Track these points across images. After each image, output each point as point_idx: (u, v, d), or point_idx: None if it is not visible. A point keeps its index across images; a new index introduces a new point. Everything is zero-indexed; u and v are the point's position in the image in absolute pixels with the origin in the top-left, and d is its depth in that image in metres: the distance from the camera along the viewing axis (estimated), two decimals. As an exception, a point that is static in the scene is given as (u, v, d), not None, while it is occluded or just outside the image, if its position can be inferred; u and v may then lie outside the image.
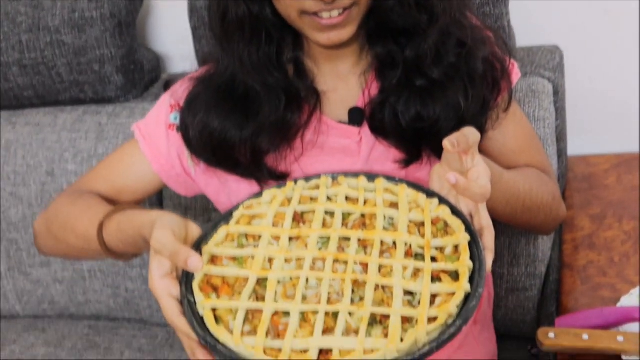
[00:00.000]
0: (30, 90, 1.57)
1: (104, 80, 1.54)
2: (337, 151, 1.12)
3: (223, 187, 1.16)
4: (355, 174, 1.02)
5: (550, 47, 1.47)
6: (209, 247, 0.93)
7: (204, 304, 0.88)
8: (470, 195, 0.93)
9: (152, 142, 1.17)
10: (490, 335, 1.29)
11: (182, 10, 1.48)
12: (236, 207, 1.00)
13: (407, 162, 1.11)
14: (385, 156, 1.11)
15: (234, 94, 1.09)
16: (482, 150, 1.16)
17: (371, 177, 1.02)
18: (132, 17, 1.55)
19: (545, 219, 1.19)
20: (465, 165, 0.93)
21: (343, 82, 1.13)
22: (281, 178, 1.10)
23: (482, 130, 1.12)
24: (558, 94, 1.40)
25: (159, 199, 1.53)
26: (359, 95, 1.12)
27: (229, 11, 1.06)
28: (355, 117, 1.12)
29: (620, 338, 1.03)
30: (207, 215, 1.48)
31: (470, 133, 0.93)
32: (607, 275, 1.24)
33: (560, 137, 1.42)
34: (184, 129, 1.13)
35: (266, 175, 1.11)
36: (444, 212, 0.95)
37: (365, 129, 1.11)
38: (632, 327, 1.07)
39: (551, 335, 1.04)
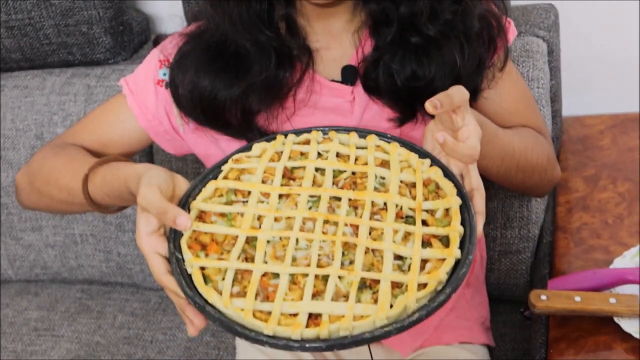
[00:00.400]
0: (17, 53, 1.55)
1: (92, 42, 1.52)
2: (330, 110, 1.10)
3: (214, 147, 1.15)
4: (347, 130, 1.01)
5: (546, 5, 1.44)
6: (197, 203, 0.92)
7: (192, 263, 0.87)
8: (458, 156, 0.92)
9: (139, 97, 1.15)
10: (482, 298, 1.29)
11: (171, -30, 1.46)
12: (224, 161, 0.98)
13: (401, 121, 1.09)
14: (379, 116, 1.10)
15: (224, 53, 1.07)
16: (478, 109, 1.14)
17: (363, 133, 1.00)
18: (120, -22, 1.52)
19: (539, 180, 1.18)
20: (455, 125, 0.92)
21: (336, 41, 1.11)
22: (271, 138, 1.09)
23: (477, 89, 1.11)
24: (553, 54, 1.38)
25: (150, 162, 1.52)
26: (353, 54, 1.10)
27: None
28: (349, 75, 1.11)
29: (612, 300, 1.03)
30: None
31: (455, 92, 0.91)
32: (601, 237, 1.24)
33: (555, 98, 1.41)
34: (173, 87, 1.11)
35: (257, 135, 1.09)
36: (436, 174, 0.94)
37: (359, 88, 1.10)
38: (624, 289, 1.07)
39: (543, 297, 1.04)
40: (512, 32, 1.15)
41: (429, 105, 0.89)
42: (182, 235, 0.89)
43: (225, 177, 0.96)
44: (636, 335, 1.00)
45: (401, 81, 1.06)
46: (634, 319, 1.02)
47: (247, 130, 1.09)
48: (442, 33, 1.05)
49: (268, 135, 1.06)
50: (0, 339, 1.52)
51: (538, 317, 1.21)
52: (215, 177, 0.96)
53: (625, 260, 1.13)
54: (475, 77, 1.09)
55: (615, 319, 1.02)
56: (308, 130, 1.01)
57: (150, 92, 1.15)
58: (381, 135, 1.00)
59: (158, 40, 1.19)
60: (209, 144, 1.15)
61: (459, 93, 0.91)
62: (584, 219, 1.29)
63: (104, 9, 1.48)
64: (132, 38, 1.56)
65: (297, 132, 1.01)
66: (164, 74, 1.14)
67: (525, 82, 1.23)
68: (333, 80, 1.11)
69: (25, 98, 1.54)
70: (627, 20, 1.54)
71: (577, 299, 1.03)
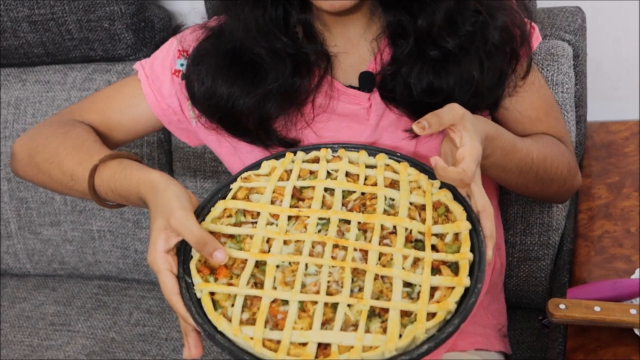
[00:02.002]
0: (40, 48, 1.55)
1: (114, 38, 1.52)
2: (346, 117, 1.09)
3: (226, 144, 1.14)
4: (356, 147, 1.00)
5: (573, 8, 1.42)
6: (206, 224, 0.92)
7: (202, 288, 0.87)
8: (448, 180, 0.90)
9: (155, 84, 1.15)
10: (500, 305, 1.27)
11: (195, -33, 1.45)
12: (233, 179, 0.98)
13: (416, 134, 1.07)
14: (396, 125, 1.08)
15: (240, 60, 1.06)
16: (498, 118, 1.13)
17: (372, 151, 1.00)
18: (143, -27, 1.52)
19: (558, 189, 1.16)
20: (457, 144, 0.91)
21: (354, 46, 1.09)
22: (292, 145, 1.08)
23: (498, 101, 1.09)
24: (578, 58, 1.35)
25: (169, 160, 1.52)
26: (371, 60, 1.09)
27: None
28: (366, 82, 1.09)
29: (633, 311, 1.00)
30: (216, 178, 1.46)
31: (444, 112, 0.91)
32: (623, 246, 1.21)
33: (580, 103, 1.38)
34: (190, 88, 1.11)
35: (276, 141, 1.08)
36: (446, 197, 0.93)
37: (375, 95, 1.08)
38: (645, 300, 1.04)
39: (562, 306, 1.02)
40: (536, 38, 1.12)
41: (416, 127, 0.89)
42: (191, 257, 0.89)
43: (234, 196, 0.96)
44: (656, 348, 0.98)
45: (418, 94, 1.04)
46: (655, 331, 0.99)
47: (266, 137, 1.08)
48: (460, 47, 1.02)
49: (287, 143, 1.07)
50: (16, 333, 1.53)
51: (556, 326, 1.18)
52: (224, 196, 0.96)
53: (647, 271, 1.11)
54: (495, 91, 1.07)
55: (636, 331, 1.00)
56: (317, 148, 1.01)
57: (167, 80, 1.14)
58: (391, 153, 1.00)
59: (178, 30, 1.18)
60: (220, 141, 1.14)
61: (449, 112, 0.90)
62: (605, 227, 1.26)
63: (126, 5, 1.48)
64: (153, 35, 1.56)
65: (306, 150, 1.01)
66: (182, 65, 1.13)
67: (549, 88, 1.20)
68: (350, 86, 1.09)
69: (46, 93, 1.55)
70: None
71: (597, 309, 1.01)
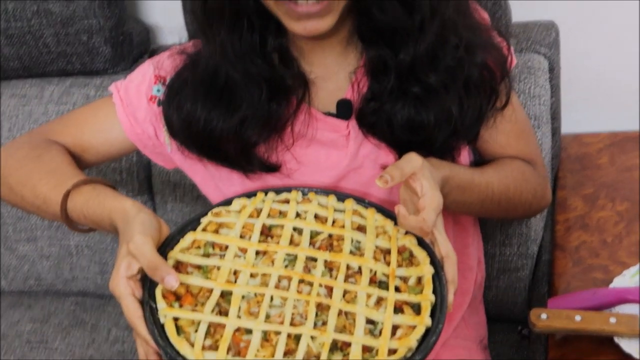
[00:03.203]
0: (16, 61, 1.54)
1: (92, 51, 1.51)
2: (325, 144, 1.09)
3: (201, 168, 1.14)
4: (326, 192, 1.03)
5: (547, 22, 1.45)
6: (175, 253, 0.93)
7: (166, 312, 0.88)
8: (409, 229, 0.93)
9: (129, 108, 1.14)
10: (480, 318, 1.28)
11: (172, -19, 1.45)
12: (204, 213, 1.00)
13: None
14: (376, 153, 1.09)
15: (217, 84, 1.05)
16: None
17: (341, 197, 1.02)
18: (121, -13, 1.52)
19: (524, 213, 1.20)
20: (417, 192, 0.93)
21: (330, 73, 1.09)
22: (273, 169, 1.08)
23: (477, 137, 1.10)
24: (554, 71, 1.38)
25: (147, 175, 1.51)
26: (348, 87, 1.08)
27: None
28: (344, 110, 1.09)
29: (613, 320, 1.02)
30: (195, 192, 1.46)
31: (404, 163, 0.93)
32: (600, 256, 1.24)
33: (555, 115, 1.40)
34: (168, 118, 1.10)
35: (257, 166, 1.08)
36: (411, 242, 0.96)
37: (354, 123, 1.08)
38: (625, 309, 1.06)
39: (543, 316, 1.04)
40: (513, 61, 1.12)
41: (379, 182, 0.91)
42: (157, 284, 0.90)
43: (204, 230, 0.97)
44: (636, 356, 1.00)
45: (399, 130, 1.05)
46: (634, 340, 1.01)
47: (247, 162, 1.08)
48: (442, 83, 1.03)
49: (269, 167, 1.08)
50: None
51: (537, 337, 1.20)
52: (194, 229, 0.97)
53: (624, 280, 1.13)
54: (474, 128, 1.08)
55: (616, 339, 1.02)
56: (288, 190, 1.03)
57: (142, 106, 1.13)
58: (359, 200, 1.02)
59: (154, 53, 1.18)
60: (196, 166, 1.14)
61: (409, 163, 0.93)
62: (582, 238, 1.29)
63: (104, 18, 1.48)
64: (132, 48, 1.56)
65: (277, 191, 1.03)
66: (158, 91, 1.12)
67: (523, 111, 1.20)
68: (328, 114, 1.09)
69: (23, 107, 1.53)
70: (627, 38, 1.54)
71: (578, 318, 1.03)
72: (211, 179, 1.15)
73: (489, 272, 1.36)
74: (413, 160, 0.94)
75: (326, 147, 1.09)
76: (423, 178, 0.93)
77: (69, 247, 1.56)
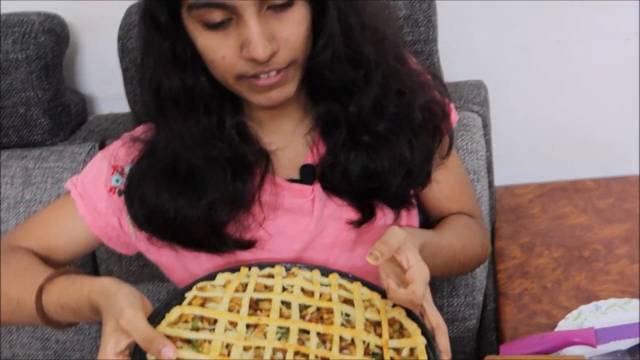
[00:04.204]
0: (-49, 135, 1.51)
1: (29, 123, 1.50)
2: (292, 211, 1.09)
3: (169, 252, 1.12)
4: (310, 267, 1.03)
5: (476, 81, 1.52)
6: (162, 328, 0.91)
7: None
8: (399, 302, 0.93)
9: (91, 203, 1.12)
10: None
11: (108, 51, 1.46)
12: (188, 288, 0.99)
13: (359, 223, 1.10)
14: (338, 213, 1.10)
15: (179, 173, 1.05)
16: (420, 195, 1.18)
17: (325, 271, 1.03)
18: (59, 59, 1.51)
19: (475, 265, 1.23)
20: (403, 265, 0.94)
21: (289, 141, 1.10)
22: (247, 246, 1.08)
23: (429, 177, 1.12)
24: (487, 127, 1.44)
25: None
26: (308, 153, 1.10)
27: (162, 86, 1.00)
28: (307, 175, 1.10)
29: (562, 362, 1.06)
30: (141, 261, 1.45)
31: (390, 237, 0.94)
32: (542, 302, 1.28)
33: (489, 169, 1.46)
34: (134, 217, 1.08)
35: (231, 246, 1.08)
36: (400, 315, 0.97)
37: (317, 187, 1.09)
38: (572, 351, 1.10)
39: (498, 363, 1.07)
40: (454, 117, 1.17)
41: (369, 259, 0.91)
42: (147, 357, 0.88)
43: (190, 304, 0.95)
44: (586, 396, 1.04)
45: (355, 180, 1.06)
46: (584, 380, 1.05)
47: (220, 243, 1.07)
48: (390, 129, 1.06)
49: (244, 245, 1.07)
50: None
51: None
52: (180, 303, 0.96)
53: (568, 323, 1.18)
54: (425, 168, 1.11)
55: (567, 381, 1.06)
56: (271, 265, 1.03)
57: (102, 198, 1.12)
58: (343, 274, 1.03)
59: (104, 143, 1.17)
60: (162, 249, 1.12)
61: (394, 236, 0.94)
62: (524, 285, 1.33)
63: (42, 90, 1.47)
64: (70, 119, 1.55)
65: (261, 266, 1.03)
66: (117, 181, 1.11)
67: (462, 166, 1.25)
68: (292, 180, 1.10)
69: (-41, 181, 1.50)
70: (549, 93, 1.63)
71: (530, 362, 1.06)
72: (177, 259, 1.13)
73: (438, 324, 1.39)
74: (397, 233, 0.95)
75: (293, 214, 1.09)
76: (408, 250, 0.94)
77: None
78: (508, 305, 1.29)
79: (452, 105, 1.16)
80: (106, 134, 1.54)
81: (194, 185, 1.04)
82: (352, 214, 1.10)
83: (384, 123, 1.05)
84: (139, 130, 1.12)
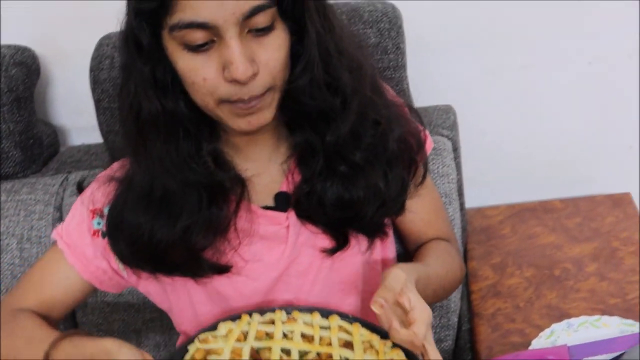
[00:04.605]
0: None
1: (1, 156, 1.49)
2: (267, 238, 1.10)
3: (156, 284, 1.13)
4: (309, 310, 1.04)
5: (444, 106, 1.54)
6: None
7: None
8: (400, 342, 0.94)
9: (77, 250, 1.12)
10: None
11: (79, 83, 1.46)
12: (190, 340, 0.99)
13: (332, 251, 1.11)
14: (313, 241, 1.11)
15: (155, 197, 1.05)
16: (397, 221, 1.19)
17: (325, 313, 1.03)
18: (30, 92, 1.52)
19: (456, 288, 1.24)
20: (405, 307, 0.94)
21: (265, 168, 1.11)
22: (224, 271, 1.08)
23: (403, 207, 1.13)
24: (457, 150, 1.47)
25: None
26: (283, 180, 1.11)
27: (142, 109, 1.01)
28: (281, 202, 1.11)
29: (537, 380, 1.08)
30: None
31: (391, 281, 0.95)
32: (515, 321, 1.30)
33: (460, 191, 1.48)
34: (113, 242, 1.09)
35: (207, 270, 1.08)
36: (399, 356, 0.97)
37: (292, 214, 1.10)
38: (546, 369, 1.12)
39: (476, 382, 1.08)
40: (429, 144, 1.18)
41: (375, 307, 0.92)
42: None
43: (192, 358, 0.96)
44: (563, 412, 1.05)
45: (330, 209, 1.07)
46: (559, 397, 1.07)
47: (197, 267, 1.08)
48: (366, 159, 1.07)
49: (220, 270, 1.08)
50: None
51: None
52: (182, 358, 0.96)
53: (541, 341, 1.20)
54: (400, 198, 1.12)
55: (543, 398, 1.08)
56: (272, 310, 1.03)
57: (87, 244, 1.12)
58: (343, 315, 1.03)
59: (81, 185, 1.17)
60: (149, 283, 1.13)
61: (395, 280, 0.95)
62: (497, 305, 1.35)
63: (14, 122, 1.47)
64: (42, 151, 1.55)
65: (262, 312, 1.03)
66: (99, 224, 1.12)
67: (436, 191, 1.27)
68: (267, 207, 1.11)
69: None
70: (517, 116, 1.66)
71: (506, 381, 1.08)
72: (164, 292, 1.14)
73: (414, 346, 1.40)
74: (398, 276, 0.95)
75: (268, 241, 1.10)
76: (409, 292, 0.95)
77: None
78: (482, 325, 1.31)
79: (427, 132, 1.18)
80: (78, 165, 1.55)
81: (169, 210, 1.04)
82: (326, 241, 1.11)
83: (361, 153, 1.06)
84: (114, 167, 1.12)
